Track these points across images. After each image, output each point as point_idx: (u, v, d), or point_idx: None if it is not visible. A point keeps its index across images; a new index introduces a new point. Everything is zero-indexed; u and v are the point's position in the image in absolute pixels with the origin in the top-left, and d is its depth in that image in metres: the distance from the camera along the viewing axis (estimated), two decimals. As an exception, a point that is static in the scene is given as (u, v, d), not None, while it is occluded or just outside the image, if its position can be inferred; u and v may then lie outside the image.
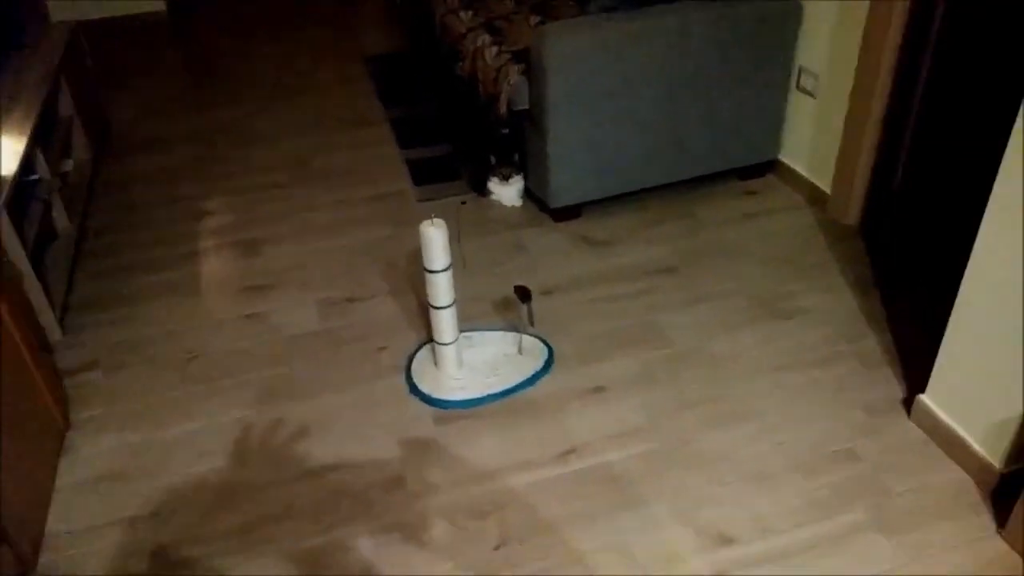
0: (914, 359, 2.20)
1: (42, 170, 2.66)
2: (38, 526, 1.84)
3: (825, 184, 2.84)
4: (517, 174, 2.95)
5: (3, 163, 2.29)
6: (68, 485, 1.97)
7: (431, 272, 2.01)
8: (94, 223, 3.03)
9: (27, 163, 2.52)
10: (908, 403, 2.05)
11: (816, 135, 2.83)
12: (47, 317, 2.35)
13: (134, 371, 2.32)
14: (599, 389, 2.18)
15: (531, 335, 2.34)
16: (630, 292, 2.54)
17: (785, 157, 3.03)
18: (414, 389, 2.18)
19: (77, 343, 2.42)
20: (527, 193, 3.02)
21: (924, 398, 1.98)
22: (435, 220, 1.96)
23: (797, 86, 2.86)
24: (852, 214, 2.74)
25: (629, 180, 2.88)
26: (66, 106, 3.18)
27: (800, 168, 2.96)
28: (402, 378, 2.24)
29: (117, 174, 3.37)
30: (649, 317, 2.44)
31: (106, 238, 2.95)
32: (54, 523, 1.87)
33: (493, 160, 2.95)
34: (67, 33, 3.35)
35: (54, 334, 2.40)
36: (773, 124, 2.95)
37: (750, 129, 2.92)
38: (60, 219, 2.79)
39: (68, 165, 3.16)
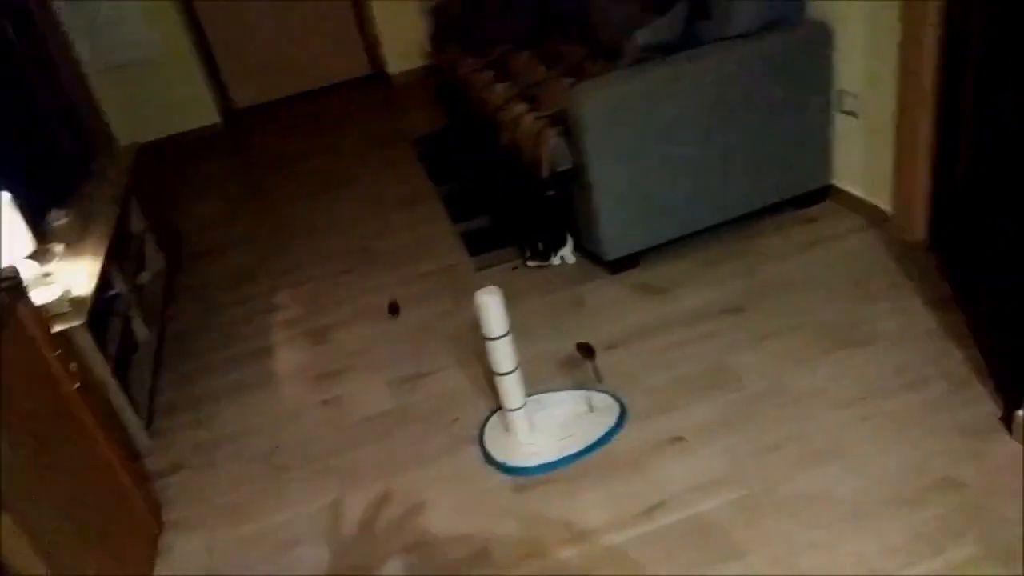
0: (1008, 373, 2.08)
1: (119, 285, 2.80)
2: (139, 633, 1.88)
3: (884, 203, 2.76)
4: (563, 246, 2.99)
5: (83, 284, 2.43)
6: (165, 589, 2.01)
7: (490, 339, 2.02)
8: (171, 330, 3.17)
9: (105, 281, 2.66)
10: (1007, 420, 1.94)
11: (867, 154, 2.78)
12: (134, 425, 2.44)
13: (220, 468, 2.38)
14: (678, 439, 2.13)
15: (601, 391, 2.31)
16: (696, 336, 2.50)
17: (839, 181, 2.97)
18: (489, 459, 2.17)
19: (164, 446, 2.51)
20: (580, 248, 3.03)
21: (1024, 413, 1.87)
22: (489, 287, 1.98)
23: (840, 109, 2.82)
24: (917, 229, 2.65)
25: (682, 224, 2.86)
26: (137, 222, 3.37)
27: (856, 190, 2.90)
28: (477, 449, 2.23)
29: (190, 281, 3.53)
30: (719, 360, 2.38)
31: (184, 343, 3.07)
32: (154, 628, 1.91)
33: (540, 246, 2.99)
34: (131, 156, 3.57)
35: (142, 441, 2.48)
36: (821, 150, 2.91)
37: (798, 158, 2.88)
38: (139, 330, 2.92)
39: (143, 277, 3.32)
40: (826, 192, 3.02)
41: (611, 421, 2.20)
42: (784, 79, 2.72)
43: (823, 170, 2.96)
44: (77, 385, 1.93)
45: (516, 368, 2.10)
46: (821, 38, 2.73)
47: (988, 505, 1.77)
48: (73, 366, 1.94)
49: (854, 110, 2.77)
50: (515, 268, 3.05)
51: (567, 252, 3.01)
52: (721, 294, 2.67)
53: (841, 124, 2.86)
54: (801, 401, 2.16)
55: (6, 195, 2.31)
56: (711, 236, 2.97)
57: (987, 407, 2.01)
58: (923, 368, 2.18)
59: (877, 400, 2.11)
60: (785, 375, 2.27)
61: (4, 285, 1.77)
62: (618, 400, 2.27)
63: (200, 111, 5.40)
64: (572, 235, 3.00)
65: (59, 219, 2.92)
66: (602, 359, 2.45)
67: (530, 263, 3.03)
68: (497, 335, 2.02)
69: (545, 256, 3.00)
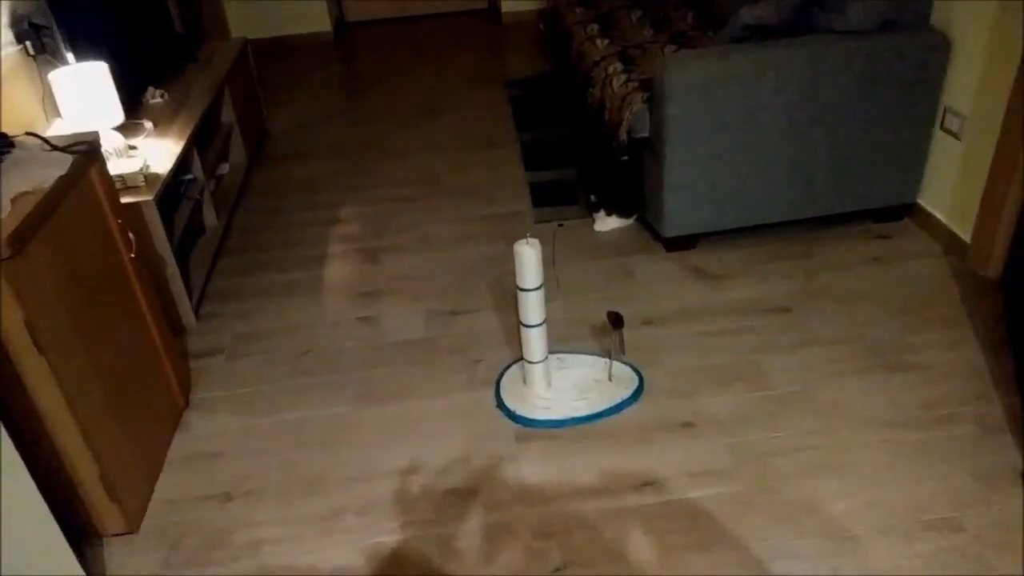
0: (1046, 430, 1.99)
1: (196, 171, 2.94)
2: (146, 492, 2.03)
3: (965, 232, 2.63)
4: (628, 216, 2.99)
5: (162, 163, 2.55)
6: (178, 458, 2.15)
7: (523, 290, 2.04)
8: (239, 222, 3.31)
9: (183, 164, 2.79)
10: (1030, 477, 1.86)
11: (960, 180, 2.64)
12: (184, 304, 2.59)
13: (253, 360, 2.50)
14: (688, 424, 2.12)
15: (623, 363, 2.32)
16: (736, 329, 2.47)
17: (924, 201, 2.84)
18: (501, 404, 2.22)
19: (207, 330, 2.65)
20: (641, 220, 3.00)
21: (1047, 473, 1.79)
22: (530, 239, 1.99)
23: (941, 126, 2.68)
24: (993, 266, 2.52)
25: (749, 214, 2.80)
26: (228, 114, 3.50)
27: (940, 214, 2.76)
28: (492, 392, 2.28)
29: (267, 180, 3.66)
30: (753, 356, 2.35)
31: (248, 237, 3.21)
32: (160, 491, 2.05)
33: (592, 198, 3.02)
34: (237, 49, 3.69)
35: (188, 320, 2.63)
36: (913, 166, 2.77)
37: (886, 170, 2.76)
38: (209, 217, 3.07)
39: (224, 168, 3.47)
40: (907, 210, 2.89)
41: (626, 393, 2.21)
42: (889, 85, 2.59)
43: (910, 188, 2.82)
44: (132, 254, 2.06)
45: (543, 322, 2.12)
46: (938, 49, 2.58)
47: (984, 555, 1.71)
48: (132, 236, 2.06)
49: (956, 131, 2.62)
50: (560, 225, 3.05)
51: (610, 219, 3.00)
52: (772, 292, 2.62)
53: (939, 143, 2.71)
54: (823, 413, 2.12)
55: (103, 65, 2.43)
56: (776, 232, 2.90)
57: (1010, 458, 1.93)
58: (957, 406, 2.10)
59: (901, 428, 2.05)
60: (815, 384, 2.22)
61: (82, 148, 1.88)
62: (639, 374, 2.28)
63: (313, 17, 5.50)
64: (637, 205, 2.98)
65: (155, 97, 3.06)
66: (637, 333, 2.45)
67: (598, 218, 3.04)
68: (530, 287, 2.04)
69: (595, 208, 3.02)
